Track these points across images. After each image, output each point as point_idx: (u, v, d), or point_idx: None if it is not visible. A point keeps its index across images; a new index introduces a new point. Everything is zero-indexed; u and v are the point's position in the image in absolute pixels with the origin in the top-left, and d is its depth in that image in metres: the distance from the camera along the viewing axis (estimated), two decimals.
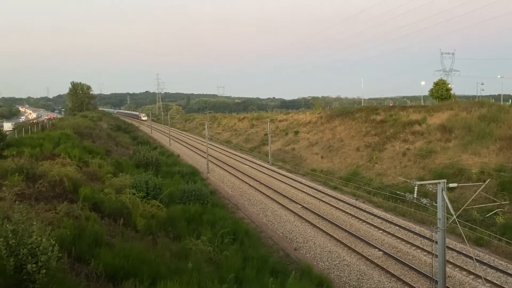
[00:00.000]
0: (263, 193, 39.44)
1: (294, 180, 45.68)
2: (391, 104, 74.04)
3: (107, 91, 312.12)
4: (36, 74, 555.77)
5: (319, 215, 31.82)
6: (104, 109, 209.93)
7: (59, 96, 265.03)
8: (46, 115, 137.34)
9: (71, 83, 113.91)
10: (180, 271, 11.89)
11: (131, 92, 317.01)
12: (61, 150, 26.29)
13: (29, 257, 7.57)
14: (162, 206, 20.86)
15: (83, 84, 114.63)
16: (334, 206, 34.38)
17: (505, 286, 19.89)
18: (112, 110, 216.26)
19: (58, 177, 17.43)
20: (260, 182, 44.20)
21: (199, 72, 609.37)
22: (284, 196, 38.16)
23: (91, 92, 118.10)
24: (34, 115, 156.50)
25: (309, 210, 33.39)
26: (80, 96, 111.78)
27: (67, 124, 48.89)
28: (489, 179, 25.54)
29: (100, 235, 12.30)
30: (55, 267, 8.07)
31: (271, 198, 37.43)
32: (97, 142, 43.39)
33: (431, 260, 19.15)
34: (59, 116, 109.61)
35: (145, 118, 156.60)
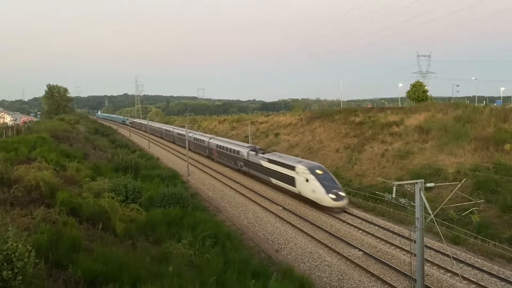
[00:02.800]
0: (244, 195, 39.40)
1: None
2: (369, 106, 75.16)
3: (84, 94, 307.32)
4: (10, 76, 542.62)
5: (299, 217, 31.97)
6: (102, 113, 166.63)
7: (35, 99, 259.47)
8: (20, 118, 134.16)
9: (47, 86, 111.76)
10: (160, 275, 11.78)
11: (109, 94, 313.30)
12: (37, 154, 25.74)
13: (5, 264, 7.41)
14: (141, 210, 20.63)
15: (59, 86, 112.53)
16: (314, 207, 34.58)
17: (481, 283, 20.36)
18: (120, 117, 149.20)
19: (34, 182, 17.05)
20: (241, 184, 44.14)
21: (179, 74, 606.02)
22: (265, 198, 38.21)
23: (68, 95, 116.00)
24: (9, 119, 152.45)
25: (290, 211, 33.51)
26: (56, 99, 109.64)
27: (43, 127, 47.90)
28: (465, 179, 26.14)
29: (78, 240, 12.10)
30: (31, 273, 7.92)
31: (252, 200, 37.43)
32: (75, 146, 42.63)
33: (410, 259, 19.48)
34: (34, 119, 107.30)
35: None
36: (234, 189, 42.32)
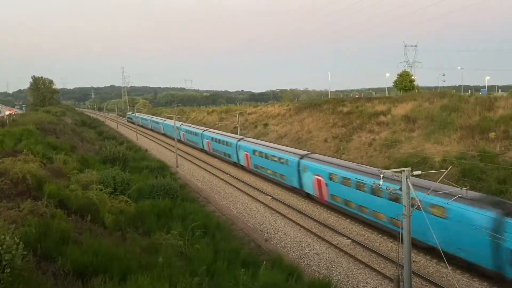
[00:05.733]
0: (233, 186, 39.48)
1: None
2: (357, 96, 75.50)
3: (70, 86, 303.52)
4: None
5: (288, 206, 32.18)
6: (146, 116, 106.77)
7: (20, 91, 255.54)
8: (5, 110, 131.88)
9: (32, 78, 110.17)
10: (150, 266, 11.81)
11: (95, 86, 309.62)
12: (24, 147, 25.40)
13: None
14: (130, 201, 20.51)
15: (44, 78, 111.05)
16: (303, 197, 34.81)
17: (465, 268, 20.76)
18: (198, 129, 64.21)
19: (20, 174, 16.88)
20: (230, 175, 44.21)
21: (166, 65, 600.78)
22: (254, 188, 38.35)
23: (53, 87, 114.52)
24: None
25: (279, 201, 33.71)
26: (42, 91, 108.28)
27: (29, 119, 47.14)
28: (450, 167, 26.49)
29: (67, 233, 12.05)
30: (20, 265, 7.89)
31: (242, 191, 37.54)
32: (62, 138, 42.11)
33: (397, 246, 19.77)
34: (19, 111, 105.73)
35: None
36: (223, 179, 42.37)
